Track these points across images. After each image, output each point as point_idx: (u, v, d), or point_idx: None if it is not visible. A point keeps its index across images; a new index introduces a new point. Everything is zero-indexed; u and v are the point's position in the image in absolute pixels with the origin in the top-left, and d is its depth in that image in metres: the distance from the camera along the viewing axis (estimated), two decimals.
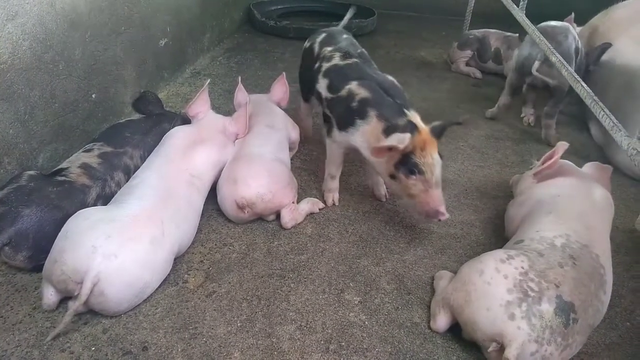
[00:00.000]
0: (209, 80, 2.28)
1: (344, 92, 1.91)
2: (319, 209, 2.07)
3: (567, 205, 1.68)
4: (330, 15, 4.52)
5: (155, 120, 2.17)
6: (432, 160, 1.71)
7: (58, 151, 2.08)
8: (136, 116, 2.25)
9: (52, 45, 1.97)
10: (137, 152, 2.00)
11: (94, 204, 1.75)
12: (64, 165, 1.85)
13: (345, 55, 2.04)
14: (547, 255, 1.46)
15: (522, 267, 1.39)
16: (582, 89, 1.82)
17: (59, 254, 1.46)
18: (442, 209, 1.74)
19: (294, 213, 1.96)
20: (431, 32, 4.36)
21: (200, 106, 2.14)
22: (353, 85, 1.89)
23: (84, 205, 1.70)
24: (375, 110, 1.79)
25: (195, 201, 1.85)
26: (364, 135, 1.82)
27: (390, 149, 1.70)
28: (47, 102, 1.98)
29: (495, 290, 1.37)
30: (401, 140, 1.67)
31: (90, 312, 1.53)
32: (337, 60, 2.04)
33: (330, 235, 1.95)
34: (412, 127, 1.72)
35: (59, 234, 1.53)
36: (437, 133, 1.76)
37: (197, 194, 1.86)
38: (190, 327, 1.52)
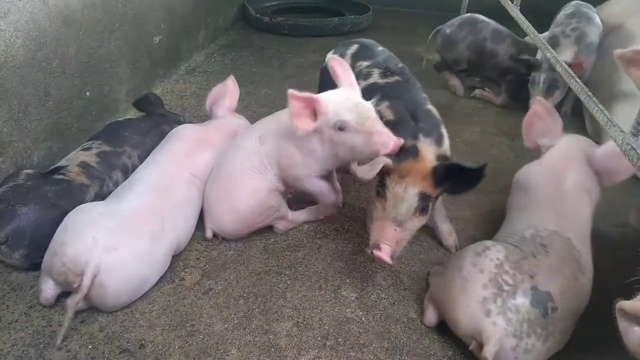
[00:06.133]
0: (231, 76, 2.18)
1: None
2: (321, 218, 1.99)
3: (535, 194, 1.67)
4: (325, 11, 4.51)
5: (156, 121, 2.16)
6: (403, 193, 1.46)
7: (53, 149, 2.07)
8: (135, 114, 2.24)
9: (46, 42, 1.96)
10: (135, 152, 2.00)
11: None
12: (62, 163, 1.84)
13: (386, 71, 1.81)
14: (520, 246, 1.47)
15: (498, 259, 1.40)
16: (576, 84, 1.82)
17: (60, 247, 1.47)
18: (382, 245, 1.46)
19: (285, 225, 1.91)
20: (426, 28, 4.33)
21: (223, 100, 2.10)
22: (383, 107, 1.68)
23: (82, 204, 1.69)
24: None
25: (195, 200, 1.85)
26: None
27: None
28: (41, 100, 1.97)
29: (472, 286, 1.38)
30: (378, 162, 1.47)
31: (87, 311, 1.54)
32: (376, 77, 1.80)
33: (326, 231, 1.96)
34: (412, 152, 1.50)
35: (59, 227, 1.54)
36: (439, 174, 1.47)
37: (197, 192, 1.86)
38: (187, 325, 1.52)
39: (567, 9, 2.92)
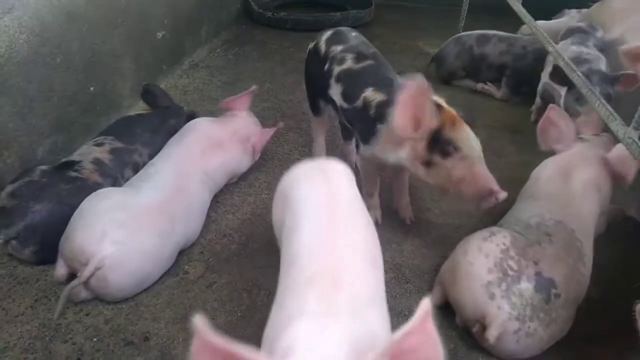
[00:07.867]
0: (254, 86, 2.26)
1: (359, 102, 1.73)
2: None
3: (545, 185, 1.71)
4: (328, 6, 4.50)
5: (163, 116, 2.17)
6: (467, 134, 1.54)
7: (57, 144, 2.08)
8: (142, 108, 2.26)
9: (49, 38, 1.97)
10: (146, 151, 2.01)
11: None
12: (75, 157, 1.85)
13: (359, 56, 1.83)
14: (525, 234, 1.49)
15: (504, 244, 1.42)
16: (578, 78, 1.82)
17: (71, 233, 1.51)
18: (495, 186, 1.54)
19: None
20: (428, 22, 4.34)
21: (237, 104, 2.14)
22: (368, 93, 1.71)
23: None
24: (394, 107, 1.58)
25: (206, 200, 1.88)
26: (389, 137, 1.63)
27: (414, 125, 1.49)
28: (45, 95, 1.98)
29: (477, 270, 1.40)
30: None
31: (92, 303, 1.56)
32: (350, 62, 1.82)
33: None
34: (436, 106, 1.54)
35: (76, 210, 1.57)
36: (467, 119, 1.58)
37: (209, 192, 1.89)
38: (191, 318, 1.53)
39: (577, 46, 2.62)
